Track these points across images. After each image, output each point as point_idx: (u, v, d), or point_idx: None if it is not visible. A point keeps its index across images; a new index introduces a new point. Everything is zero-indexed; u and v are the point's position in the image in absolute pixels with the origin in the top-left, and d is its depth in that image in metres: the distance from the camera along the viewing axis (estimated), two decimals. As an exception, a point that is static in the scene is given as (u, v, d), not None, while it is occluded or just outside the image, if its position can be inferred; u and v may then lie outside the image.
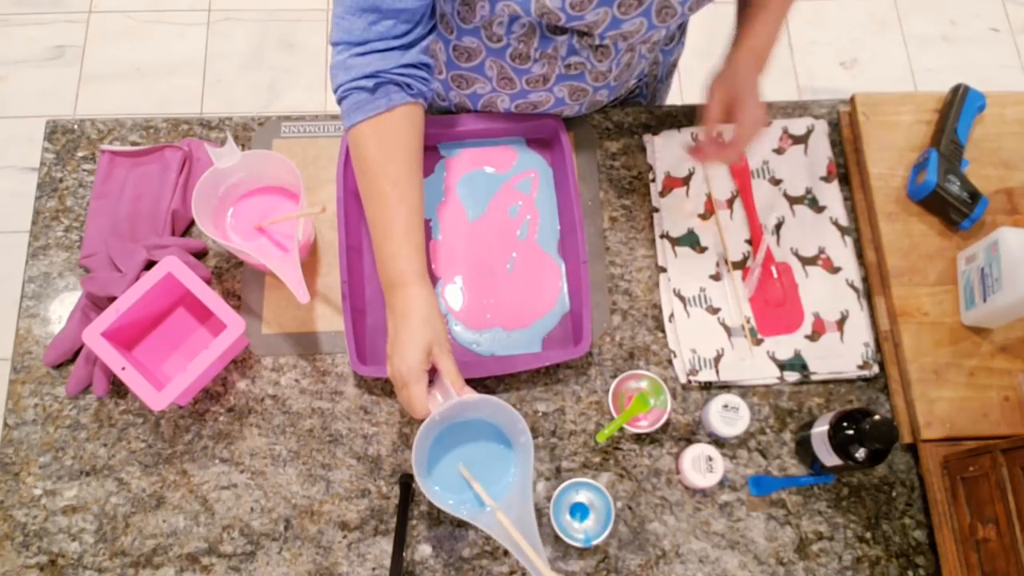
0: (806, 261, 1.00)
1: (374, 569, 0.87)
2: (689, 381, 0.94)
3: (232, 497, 0.89)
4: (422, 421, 0.77)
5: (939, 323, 0.95)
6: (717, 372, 0.94)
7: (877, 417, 0.82)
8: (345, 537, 0.88)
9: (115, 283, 0.92)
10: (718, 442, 0.93)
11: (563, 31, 0.85)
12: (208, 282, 0.97)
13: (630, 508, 0.90)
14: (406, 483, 0.89)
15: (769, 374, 0.95)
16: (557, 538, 0.87)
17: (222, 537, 0.88)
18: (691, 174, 1.04)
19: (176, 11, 2.22)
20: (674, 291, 0.98)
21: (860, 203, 1.03)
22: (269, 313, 0.97)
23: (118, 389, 0.93)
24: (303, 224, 0.92)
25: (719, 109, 0.90)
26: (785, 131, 1.06)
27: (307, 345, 0.96)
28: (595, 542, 0.85)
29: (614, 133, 1.07)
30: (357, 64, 0.81)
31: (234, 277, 0.98)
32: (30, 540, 0.87)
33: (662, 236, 1.01)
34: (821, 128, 1.06)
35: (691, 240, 1.01)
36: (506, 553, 0.88)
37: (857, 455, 0.83)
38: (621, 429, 0.92)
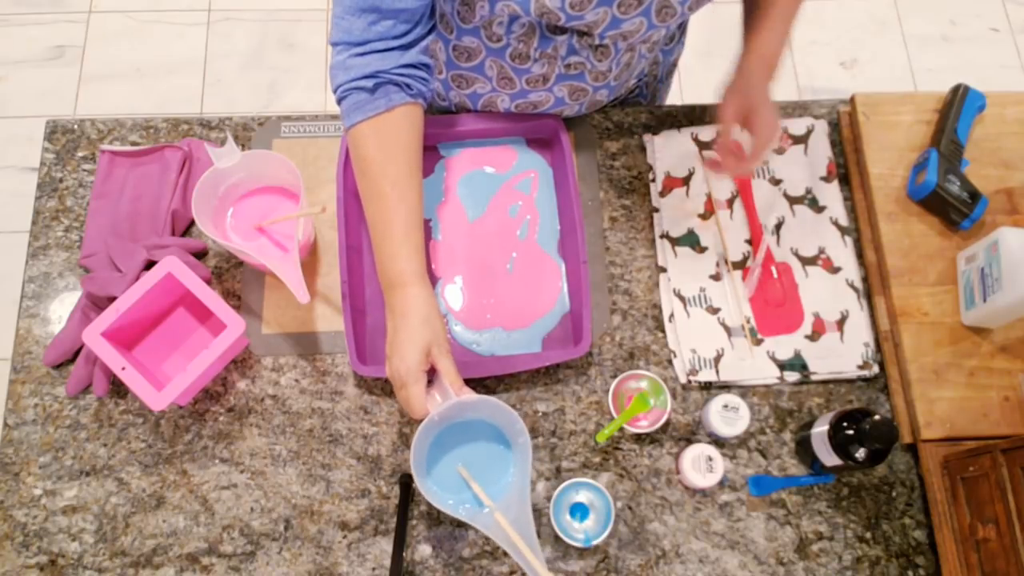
0: (806, 261, 1.00)
1: (374, 569, 0.87)
2: (689, 381, 0.94)
3: (232, 497, 0.89)
4: (421, 421, 0.78)
5: (939, 323, 0.95)
6: (717, 372, 0.94)
7: (877, 417, 0.82)
8: (345, 537, 0.88)
9: (115, 283, 0.92)
10: (718, 442, 0.93)
11: (563, 31, 0.85)
12: (208, 282, 0.97)
13: (630, 508, 0.90)
14: (406, 483, 0.89)
15: (769, 374, 0.95)
16: (557, 538, 0.87)
17: (222, 537, 0.88)
18: (691, 174, 1.04)
19: (176, 11, 2.22)
20: (674, 291, 0.98)
21: (860, 203, 1.03)
22: (269, 313, 0.97)
23: (118, 389, 0.93)
24: (303, 224, 0.92)
25: (734, 120, 0.89)
26: (785, 131, 1.06)
27: (307, 345, 0.96)
28: (595, 542, 0.85)
29: (614, 133, 1.07)
30: (357, 64, 0.81)
31: (234, 277, 0.98)
32: (30, 540, 0.87)
33: (662, 236, 1.01)
34: (821, 128, 1.06)
35: (691, 240, 1.01)
36: (506, 553, 0.88)
37: (857, 455, 0.83)
38: (621, 429, 0.92)
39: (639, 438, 0.93)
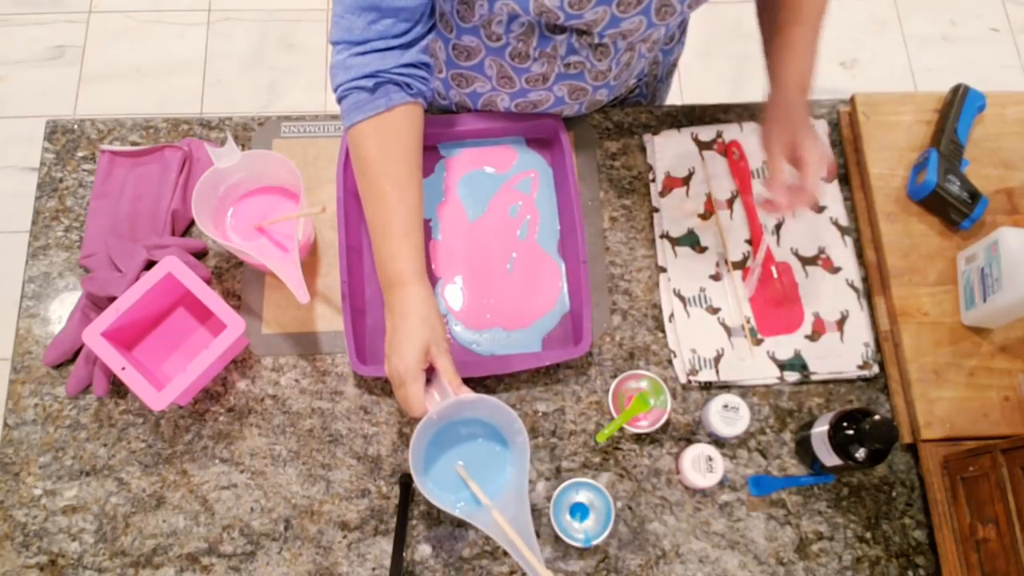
0: (806, 261, 1.00)
1: (374, 569, 0.87)
2: (689, 381, 0.94)
3: (232, 497, 0.89)
4: (420, 420, 0.78)
5: (939, 323, 0.95)
6: (717, 372, 0.94)
7: (877, 417, 0.82)
8: (345, 537, 0.88)
9: (115, 283, 0.92)
10: (718, 442, 0.93)
11: (562, 30, 0.85)
12: (208, 282, 0.97)
13: (630, 508, 0.90)
14: (406, 483, 0.89)
15: (769, 374, 0.95)
16: (557, 538, 0.87)
17: (222, 537, 0.88)
18: (691, 174, 1.04)
19: (176, 11, 2.22)
20: (674, 291, 0.98)
21: (860, 203, 1.03)
22: (269, 313, 0.97)
23: (118, 389, 0.93)
24: (303, 224, 0.92)
25: (783, 155, 0.85)
26: (785, 131, 1.06)
27: (307, 345, 0.96)
28: (595, 542, 0.85)
29: (614, 133, 1.07)
30: (357, 64, 0.81)
31: (234, 277, 0.98)
32: (30, 540, 0.87)
33: (662, 236, 1.01)
34: (821, 128, 1.06)
35: (691, 240, 1.01)
36: (506, 553, 0.88)
37: (857, 455, 0.83)
38: (621, 429, 0.92)
39: (639, 438, 0.93)
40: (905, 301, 0.96)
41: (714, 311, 0.97)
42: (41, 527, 0.88)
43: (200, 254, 0.99)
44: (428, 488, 0.79)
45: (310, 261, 1.00)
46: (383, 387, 0.94)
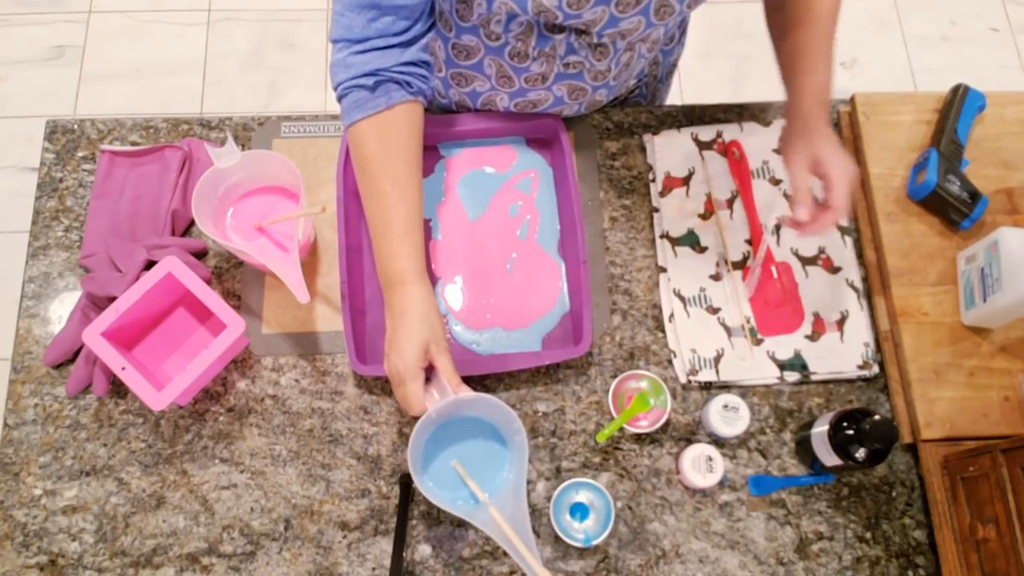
0: (806, 261, 1.00)
1: (374, 569, 0.87)
2: (689, 381, 0.94)
3: (232, 497, 0.89)
4: (419, 418, 0.78)
5: (939, 323, 0.95)
6: (717, 372, 0.94)
7: (877, 417, 0.82)
8: (345, 537, 0.88)
9: (115, 283, 0.92)
10: (718, 442, 0.93)
11: (561, 29, 0.85)
12: (208, 282, 0.97)
13: (630, 508, 0.90)
14: (406, 483, 0.89)
15: (769, 374, 0.95)
16: (557, 538, 0.87)
17: (222, 537, 0.88)
18: (691, 174, 1.04)
19: (176, 11, 2.22)
20: (674, 291, 0.98)
21: (860, 203, 1.03)
22: (269, 313, 0.97)
23: (118, 389, 0.93)
24: (303, 224, 0.92)
25: (807, 171, 0.82)
26: (785, 131, 1.06)
27: (307, 345, 0.96)
28: (595, 542, 0.85)
29: (614, 133, 1.07)
30: (357, 62, 0.81)
31: (234, 277, 0.98)
32: (30, 540, 0.87)
33: (662, 236, 1.01)
34: (821, 128, 1.06)
35: (691, 240, 1.01)
36: (506, 553, 0.87)
37: (857, 455, 0.83)
38: (621, 429, 0.92)
39: (639, 438, 0.93)
40: (905, 301, 0.96)
41: (714, 311, 0.97)
42: (41, 527, 0.88)
43: (200, 254, 0.99)
44: (427, 486, 0.79)
45: (310, 261, 1.00)
46: (383, 387, 0.94)
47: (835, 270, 0.99)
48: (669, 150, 1.04)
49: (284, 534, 0.88)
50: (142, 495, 0.89)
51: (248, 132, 1.05)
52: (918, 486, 0.92)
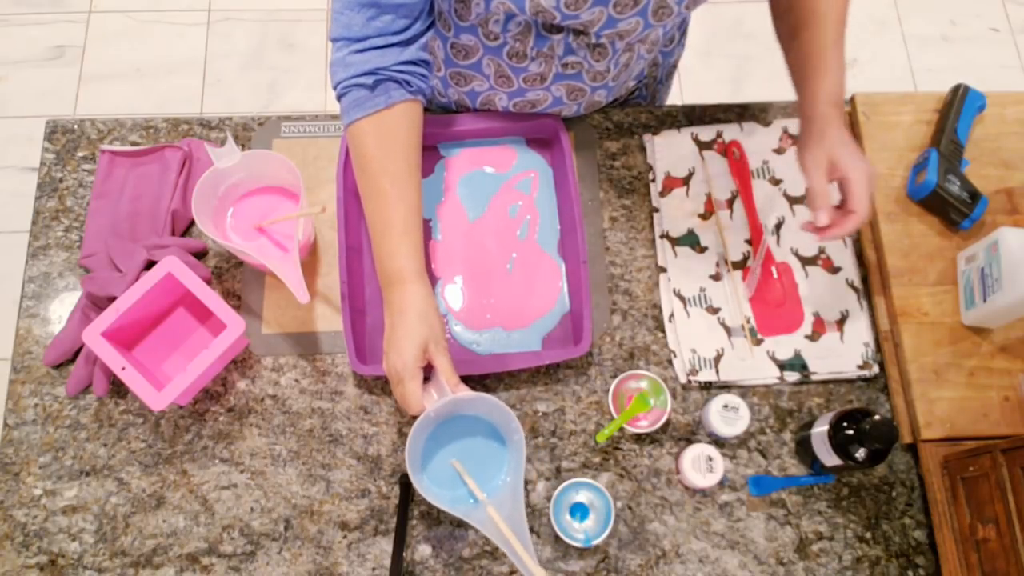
0: (806, 261, 1.00)
1: (374, 569, 0.87)
2: (689, 381, 0.94)
3: (232, 497, 0.89)
4: (417, 418, 0.78)
5: (939, 323, 0.95)
6: (717, 372, 0.94)
7: (877, 417, 0.82)
8: (345, 537, 0.88)
9: (115, 283, 0.92)
10: (718, 442, 0.93)
11: (559, 30, 0.85)
12: (208, 282, 0.97)
13: (630, 508, 0.90)
14: (406, 483, 0.89)
15: (769, 374, 0.95)
16: (557, 538, 0.87)
17: (222, 537, 0.88)
18: (691, 174, 1.04)
19: (176, 11, 2.22)
20: (674, 291, 0.98)
21: (860, 203, 1.03)
22: (269, 313, 0.97)
23: (118, 389, 0.93)
24: (303, 224, 0.92)
25: (826, 176, 0.81)
26: (785, 131, 1.06)
27: (307, 345, 0.96)
28: (595, 542, 0.85)
29: (614, 133, 1.07)
30: (356, 61, 0.81)
31: (234, 277, 0.98)
32: (30, 540, 0.87)
33: (662, 236, 1.01)
34: (821, 128, 1.06)
35: (691, 240, 1.01)
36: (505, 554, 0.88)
37: (857, 455, 0.83)
38: (621, 429, 0.92)
39: (639, 438, 0.93)
40: (905, 301, 0.96)
41: (714, 311, 0.97)
42: (41, 527, 0.88)
43: (200, 254, 0.99)
44: (425, 485, 0.80)
45: (310, 261, 1.00)
46: (383, 387, 0.94)
47: (835, 270, 0.99)
48: (669, 150, 1.04)
49: (284, 534, 0.88)
50: (142, 495, 0.89)
51: (248, 132, 1.05)
52: (918, 486, 0.92)
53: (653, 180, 1.04)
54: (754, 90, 2.17)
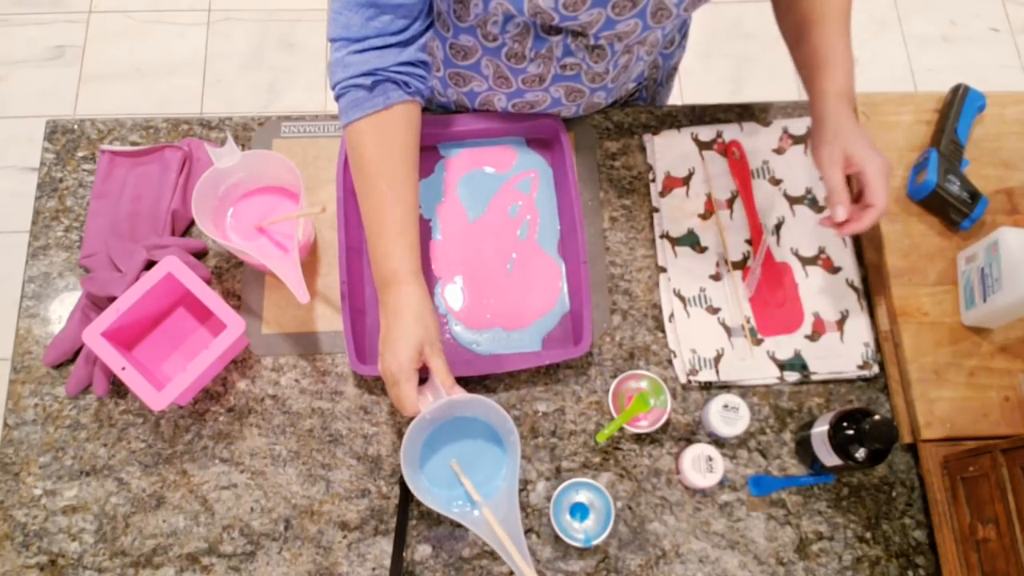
0: (806, 261, 1.00)
1: (374, 569, 0.87)
2: (689, 381, 0.94)
3: (232, 497, 0.89)
4: (413, 419, 0.78)
5: (939, 323, 0.95)
6: (717, 372, 0.94)
7: (877, 417, 0.82)
8: (345, 537, 0.88)
9: (115, 283, 0.92)
10: (718, 442, 0.93)
11: (558, 31, 0.85)
12: (208, 282, 0.97)
13: (630, 508, 0.90)
14: (406, 483, 0.89)
15: (769, 374, 0.95)
16: (557, 538, 0.87)
17: (222, 537, 0.88)
18: (691, 174, 1.04)
19: (176, 11, 2.22)
20: (674, 291, 0.98)
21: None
22: (269, 313, 0.97)
23: (118, 389, 0.93)
24: (303, 224, 0.92)
25: (841, 172, 0.81)
26: (785, 131, 1.06)
27: (307, 345, 0.96)
28: (595, 542, 0.85)
29: (614, 133, 1.07)
30: (355, 61, 0.81)
31: (234, 277, 0.98)
32: (30, 540, 0.87)
33: (662, 236, 1.01)
34: (821, 128, 1.06)
35: (691, 240, 1.01)
36: (506, 553, 0.88)
37: (857, 455, 0.83)
38: (621, 429, 0.92)
39: (639, 438, 0.93)
40: (905, 301, 0.96)
41: (714, 311, 0.97)
42: (41, 527, 0.88)
43: (200, 254, 0.99)
44: (422, 488, 0.79)
45: (310, 261, 1.00)
46: (383, 387, 0.94)
47: (835, 270, 0.99)
48: (669, 150, 1.04)
49: (284, 534, 0.88)
50: (142, 495, 0.89)
51: (248, 132, 1.05)
52: (918, 486, 0.92)
53: (653, 180, 1.04)
54: (754, 90, 2.17)
